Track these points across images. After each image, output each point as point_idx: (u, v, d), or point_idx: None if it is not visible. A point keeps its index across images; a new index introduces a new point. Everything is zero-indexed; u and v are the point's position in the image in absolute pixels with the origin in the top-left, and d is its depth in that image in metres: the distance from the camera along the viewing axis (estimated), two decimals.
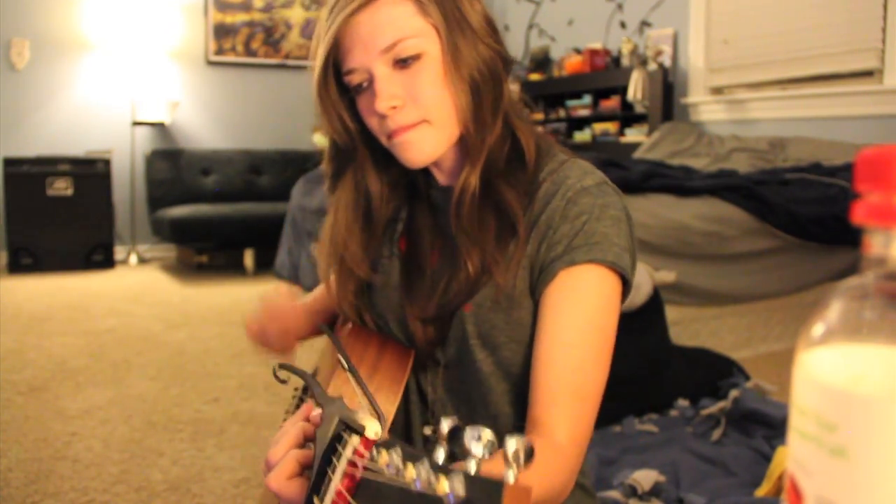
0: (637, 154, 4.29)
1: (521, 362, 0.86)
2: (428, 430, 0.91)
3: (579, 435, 0.78)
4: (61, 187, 4.93)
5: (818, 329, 0.31)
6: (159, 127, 5.56)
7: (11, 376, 2.69)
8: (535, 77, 5.42)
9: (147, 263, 5.44)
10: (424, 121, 0.83)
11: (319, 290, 1.11)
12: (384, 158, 0.91)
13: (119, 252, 5.38)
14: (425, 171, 0.93)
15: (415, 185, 0.95)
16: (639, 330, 2.20)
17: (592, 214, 0.82)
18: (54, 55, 5.24)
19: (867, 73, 3.77)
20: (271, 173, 5.69)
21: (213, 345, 3.15)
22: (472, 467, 0.45)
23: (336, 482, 0.53)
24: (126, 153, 5.40)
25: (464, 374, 0.89)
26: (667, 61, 4.66)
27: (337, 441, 0.56)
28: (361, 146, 0.90)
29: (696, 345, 2.65)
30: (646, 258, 2.56)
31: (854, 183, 0.31)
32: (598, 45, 5.05)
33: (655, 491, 1.67)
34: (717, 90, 4.56)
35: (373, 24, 0.81)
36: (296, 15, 6.01)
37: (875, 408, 0.28)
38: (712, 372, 2.35)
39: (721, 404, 2.08)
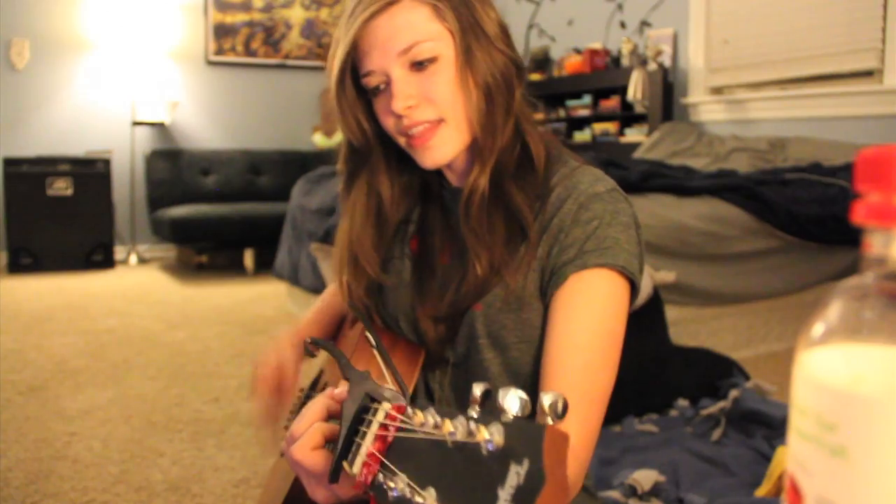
0: (637, 154, 4.29)
1: (530, 363, 0.87)
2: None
3: (587, 437, 0.79)
4: (61, 187, 4.93)
5: (818, 329, 0.31)
6: (159, 127, 5.56)
7: (11, 376, 2.69)
8: (535, 77, 5.42)
9: (147, 263, 5.44)
10: (440, 120, 0.86)
11: (320, 303, 1.12)
12: (397, 162, 0.93)
13: (119, 252, 5.38)
14: (438, 173, 0.94)
15: (428, 186, 0.96)
16: (638, 330, 2.20)
17: (604, 220, 0.83)
18: (54, 55, 5.24)
19: (867, 73, 3.77)
20: (271, 173, 5.69)
21: (213, 345, 3.15)
22: (498, 431, 0.45)
23: (367, 444, 0.53)
24: (126, 153, 5.40)
25: (471, 373, 0.90)
26: (667, 61, 4.66)
27: (364, 412, 0.57)
28: (376, 148, 0.92)
29: (696, 345, 2.65)
30: (646, 258, 2.55)
31: (854, 183, 0.31)
32: (598, 45, 5.05)
33: (655, 491, 1.67)
34: (717, 90, 4.56)
35: (390, 28, 0.83)
36: (296, 15, 6.01)
37: (875, 408, 0.28)
38: (712, 372, 2.35)
39: (721, 404, 2.08)
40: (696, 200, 2.92)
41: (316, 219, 3.25)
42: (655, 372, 2.25)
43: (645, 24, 4.86)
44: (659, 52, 4.62)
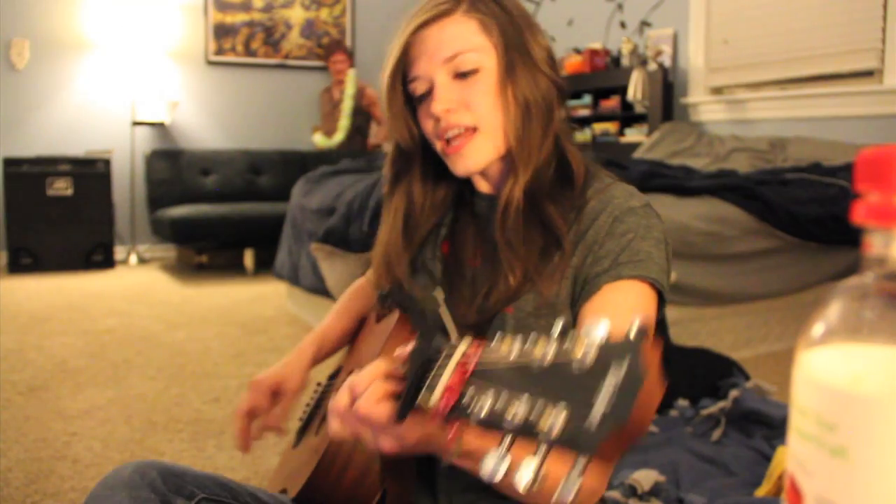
0: (637, 154, 4.28)
1: None
2: None
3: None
4: (61, 187, 4.93)
5: (818, 329, 0.31)
6: (159, 127, 5.56)
7: (11, 376, 2.69)
8: None
9: (147, 263, 5.44)
10: (475, 128, 0.90)
11: (339, 306, 1.15)
12: (434, 172, 0.98)
13: (119, 252, 5.38)
14: (469, 180, 0.98)
15: (461, 193, 1.00)
16: None
17: (638, 233, 0.86)
18: (54, 55, 5.24)
19: (867, 73, 3.77)
20: (271, 173, 5.69)
21: (213, 345, 3.15)
22: (592, 347, 0.46)
23: (446, 377, 0.54)
24: (126, 153, 5.40)
25: None
26: (667, 61, 4.66)
27: (435, 357, 0.58)
28: (418, 155, 0.97)
29: (696, 345, 2.65)
30: None
31: (854, 183, 0.31)
32: (598, 45, 5.05)
33: (655, 491, 1.67)
34: (717, 90, 4.56)
35: (439, 38, 0.90)
36: (296, 15, 6.01)
37: (875, 408, 0.28)
38: (712, 372, 2.35)
39: (721, 404, 2.08)
40: (696, 200, 2.92)
41: (316, 219, 3.25)
42: None
43: (645, 24, 4.86)
44: (659, 52, 4.62)
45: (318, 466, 0.84)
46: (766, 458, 1.83)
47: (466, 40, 0.89)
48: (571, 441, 0.43)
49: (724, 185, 3.02)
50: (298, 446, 1.07)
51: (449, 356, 0.56)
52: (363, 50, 6.07)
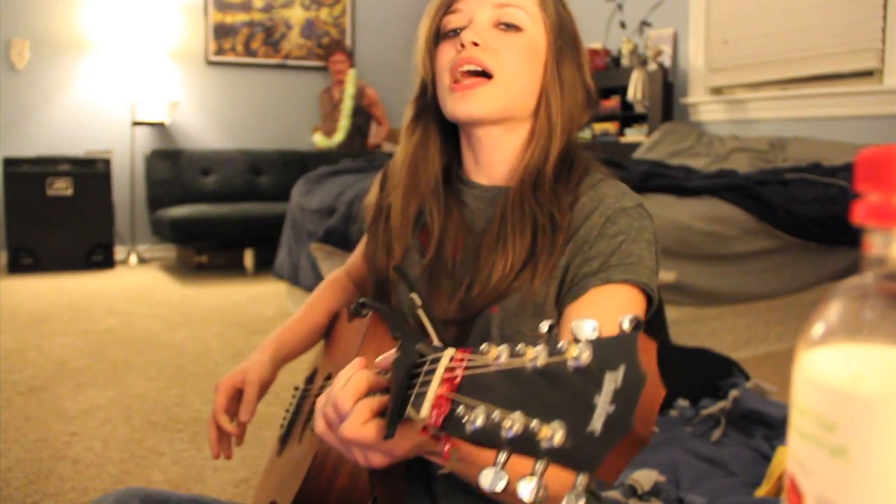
0: (637, 154, 4.29)
1: None
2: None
3: None
4: (61, 187, 4.93)
5: (818, 329, 0.31)
6: (159, 127, 5.56)
7: (11, 376, 2.69)
8: None
9: (147, 263, 5.43)
10: (492, 76, 0.87)
11: (306, 306, 1.13)
12: (441, 135, 0.96)
13: (119, 252, 5.38)
14: (459, 164, 0.96)
15: (448, 178, 0.97)
16: None
17: (629, 236, 0.84)
18: (54, 55, 5.24)
19: (867, 73, 3.77)
20: (271, 173, 5.69)
21: (213, 345, 3.15)
22: (586, 346, 0.43)
23: (434, 388, 0.52)
24: (126, 153, 5.40)
25: None
26: (667, 61, 4.66)
27: (418, 366, 0.56)
28: (432, 106, 0.94)
29: (696, 345, 2.65)
30: None
31: (854, 183, 0.31)
32: (598, 45, 5.05)
33: (655, 491, 1.67)
34: (717, 90, 4.56)
35: None
36: (296, 15, 6.01)
37: (875, 408, 0.28)
38: (712, 372, 2.35)
39: (721, 404, 2.08)
40: (696, 200, 2.92)
41: (316, 219, 3.25)
42: None
43: (645, 24, 4.86)
44: (659, 52, 4.62)
45: (307, 477, 0.83)
46: (766, 459, 1.83)
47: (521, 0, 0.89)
48: (574, 450, 0.41)
49: (724, 185, 3.02)
50: (283, 455, 1.06)
51: (434, 363, 0.54)
52: (363, 50, 6.07)
